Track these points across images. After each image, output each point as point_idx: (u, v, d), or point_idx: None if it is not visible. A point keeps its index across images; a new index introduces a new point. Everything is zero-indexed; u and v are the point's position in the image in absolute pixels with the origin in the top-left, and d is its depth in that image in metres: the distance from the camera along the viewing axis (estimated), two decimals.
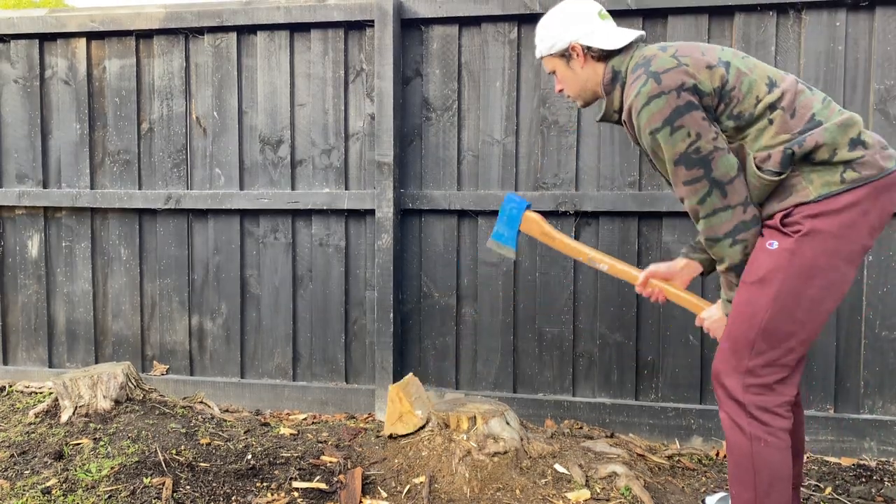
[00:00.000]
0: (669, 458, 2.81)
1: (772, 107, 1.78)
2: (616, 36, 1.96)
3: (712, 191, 1.76)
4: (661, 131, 1.77)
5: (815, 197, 1.72)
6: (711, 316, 2.01)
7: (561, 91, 2.10)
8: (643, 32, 2.03)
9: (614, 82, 1.95)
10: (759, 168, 1.76)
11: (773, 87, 1.80)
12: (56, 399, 2.77)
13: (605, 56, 1.96)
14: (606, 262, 2.21)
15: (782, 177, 1.75)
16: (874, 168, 1.73)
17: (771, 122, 1.77)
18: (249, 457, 2.52)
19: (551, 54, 2.03)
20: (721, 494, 2.31)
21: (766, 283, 1.75)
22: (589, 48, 1.96)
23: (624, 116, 1.91)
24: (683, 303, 2.13)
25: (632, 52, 1.95)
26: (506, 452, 2.43)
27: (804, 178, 1.74)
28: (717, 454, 2.90)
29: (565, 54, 2.00)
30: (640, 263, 3.06)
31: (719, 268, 1.88)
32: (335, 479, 2.44)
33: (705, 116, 1.76)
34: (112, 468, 2.32)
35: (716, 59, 1.81)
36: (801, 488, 2.52)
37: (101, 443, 2.48)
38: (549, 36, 2.01)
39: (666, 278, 2.14)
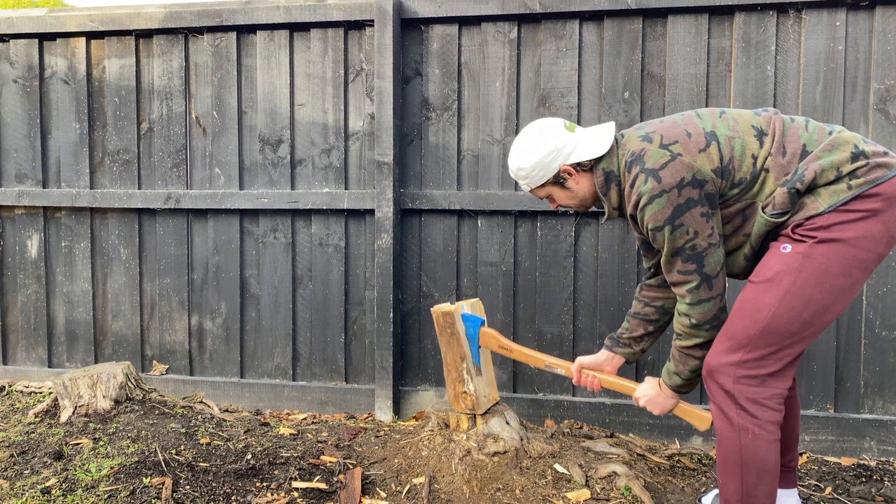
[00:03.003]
0: (669, 457, 2.81)
1: (765, 158, 1.82)
2: (597, 140, 1.98)
3: (701, 284, 1.85)
4: (664, 229, 1.83)
5: (826, 208, 1.74)
6: (645, 394, 2.13)
7: (558, 207, 2.13)
8: (613, 123, 2.06)
9: (609, 183, 1.98)
10: (765, 212, 1.81)
11: (763, 137, 1.84)
12: (56, 399, 2.76)
13: (593, 164, 1.99)
14: (562, 366, 2.35)
15: (787, 216, 1.79)
16: (878, 172, 1.75)
17: (767, 171, 1.81)
18: (249, 457, 2.52)
19: (542, 185, 2.05)
20: (716, 492, 2.32)
21: (775, 283, 1.77)
22: (579, 164, 1.99)
23: (630, 212, 1.94)
24: (617, 387, 2.26)
25: (616, 149, 1.98)
26: (506, 452, 2.43)
27: (813, 194, 1.77)
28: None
29: (558, 180, 2.02)
30: (640, 263, 3.06)
31: (685, 343, 1.96)
32: (335, 478, 2.43)
33: (705, 211, 1.81)
34: (112, 468, 2.31)
35: (703, 138, 1.83)
36: (801, 487, 2.53)
37: (101, 442, 2.48)
38: (535, 170, 2.01)
39: (594, 369, 2.29)
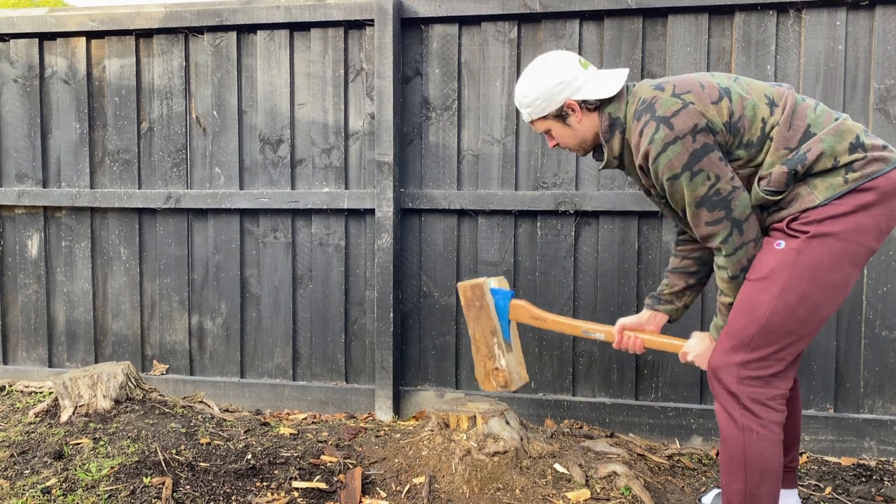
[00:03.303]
0: (669, 457, 2.81)
1: (773, 126, 1.80)
2: (608, 81, 1.93)
3: (733, 230, 1.79)
4: (682, 177, 1.77)
5: (822, 201, 1.74)
6: (694, 348, 2.02)
7: (556, 145, 2.05)
8: (628, 69, 2.01)
9: (613, 129, 1.92)
10: (760, 186, 1.80)
11: (774, 107, 1.82)
12: (56, 399, 2.76)
13: (600, 105, 1.93)
14: (601, 331, 2.24)
15: (782, 196, 1.78)
16: (875, 166, 1.75)
17: (772, 139, 1.79)
18: (249, 456, 2.52)
19: (544, 116, 1.97)
20: (716, 491, 2.32)
21: (770, 280, 1.77)
22: (585, 101, 1.92)
23: (639, 162, 1.87)
24: (662, 346, 2.17)
25: (625, 95, 1.93)
26: (506, 452, 2.43)
27: (808, 185, 1.77)
28: (717, 454, 2.90)
29: (561, 114, 1.95)
30: (640, 262, 3.06)
31: (729, 299, 1.89)
32: (335, 478, 2.44)
33: (721, 156, 1.77)
34: (112, 468, 2.31)
35: (716, 91, 1.81)
36: (801, 487, 2.54)
37: (101, 442, 2.48)
38: (539, 99, 1.94)
39: (635, 329, 2.18)
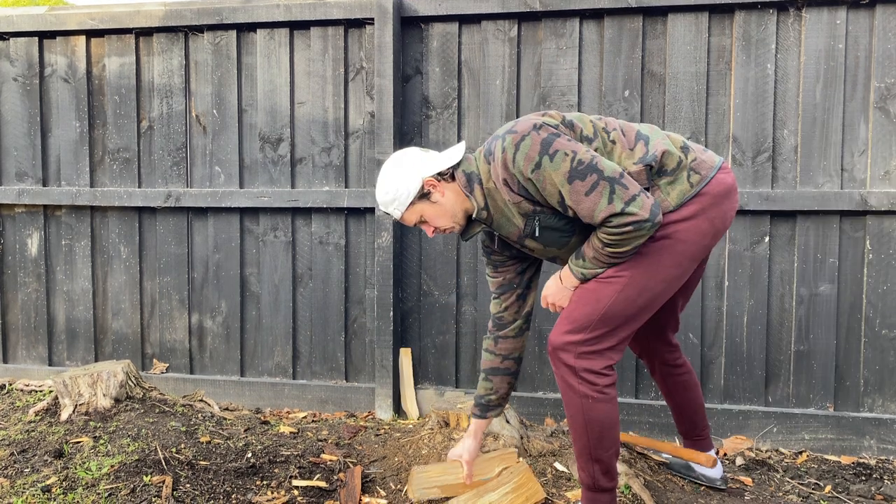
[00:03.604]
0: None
1: (606, 131, 1.97)
2: (450, 153, 2.06)
3: (614, 187, 1.82)
4: (542, 162, 1.86)
5: (675, 206, 1.92)
6: (548, 288, 2.12)
7: (435, 231, 2.10)
8: (464, 142, 2.22)
9: (471, 182, 2.02)
10: None
11: (599, 121, 2.01)
12: (56, 397, 2.77)
13: (452, 174, 2.04)
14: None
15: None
16: (707, 165, 1.96)
17: (614, 142, 1.96)
18: (249, 455, 2.52)
19: (411, 203, 2.04)
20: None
21: (615, 279, 1.94)
22: (440, 174, 2.03)
23: (503, 176, 1.93)
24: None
25: (473, 159, 2.05)
26: None
27: (662, 191, 1.93)
28: (717, 452, 2.90)
29: (424, 194, 2.03)
30: None
31: (619, 249, 1.89)
32: (335, 477, 2.44)
33: (570, 138, 1.91)
34: (112, 466, 2.32)
35: (540, 116, 1.97)
36: (801, 486, 2.54)
37: (101, 441, 2.48)
38: (398, 190, 2.02)
39: (471, 458, 2.28)
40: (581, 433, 2.00)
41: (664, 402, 3.06)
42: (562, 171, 1.84)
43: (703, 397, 2.44)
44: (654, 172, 1.93)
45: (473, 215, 2.05)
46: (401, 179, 2.02)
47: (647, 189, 1.91)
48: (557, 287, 2.10)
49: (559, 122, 1.95)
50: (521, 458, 2.38)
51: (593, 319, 1.95)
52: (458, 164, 2.05)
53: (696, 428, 2.43)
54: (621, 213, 1.81)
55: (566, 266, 2.05)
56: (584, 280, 2.02)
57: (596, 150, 1.93)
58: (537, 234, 2.00)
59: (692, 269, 1.99)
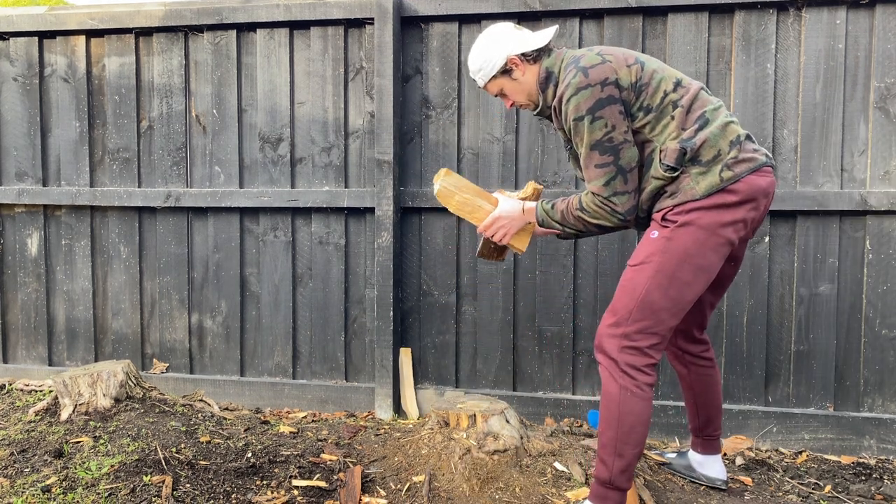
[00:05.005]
0: None
1: (674, 104, 2.05)
2: (539, 35, 2.20)
3: (618, 176, 2.05)
4: (584, 119, 2.02)
5: (702, 195, 2.00)
6: (504, 210, 2.26)
7: (512, 105, 2.29)
8: (557, 26, 2.27)
9: (548, 81, 2.17)
10: (661, 159, 2.04)
11: (679, 87, 2.08)
12: (56, 397, 2.77)
13: (537, 58, 2.18)
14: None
15: (676, 173, 2.03)
16: (745, 165, 2.02)
17: (672, 118, 2.05)
18: (249, 455, 2.52)
19: (493, 76, 2.22)
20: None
21: (647, 264, 2.05)
22: (524, 54, 2.18)
23: (553, 104, 2.14)
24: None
25: (562, 54, 2.18)
26: (505, 450, 2.43)
27: (692, 179, 2.02)
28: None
29: (506, 69, 2.20)
30: None
31: (590, 218, 2.12)
32: (335, 477, 2.44)
33: (622, 110, 2.03)
34: (112, 466, 2.32)
35: (633, 58, 2.09)
36: (800, 486, 2.54)
37: (101, 441, 2.48)
38: (485, 62, 2.20)
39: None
40: (612, 424, 2.05)
41: (664, 402, 3.07)
42: (593, 136, 2.03)
43: (722, 397, 2.45)
44: (688, 159, 2.02)
45: (538, 109, 2.23)
46: (489, 52, 2.18)
47: (676, 171, 2.02)
48: (516, 214, 2.25)
49: (633, 82, 2.04)
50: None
51: (632, 308, 2.04)
52: (549, 52, 2.18)
53: (711, 426, 2.45)
54: (606, 198, 2.06)
55: (537, 203, 2.24)
56: (541, 224, 2.22)
57: (646, 124, 2.05)
58: (569, 158, 2.26)
59: (718, 262, 2.06)
